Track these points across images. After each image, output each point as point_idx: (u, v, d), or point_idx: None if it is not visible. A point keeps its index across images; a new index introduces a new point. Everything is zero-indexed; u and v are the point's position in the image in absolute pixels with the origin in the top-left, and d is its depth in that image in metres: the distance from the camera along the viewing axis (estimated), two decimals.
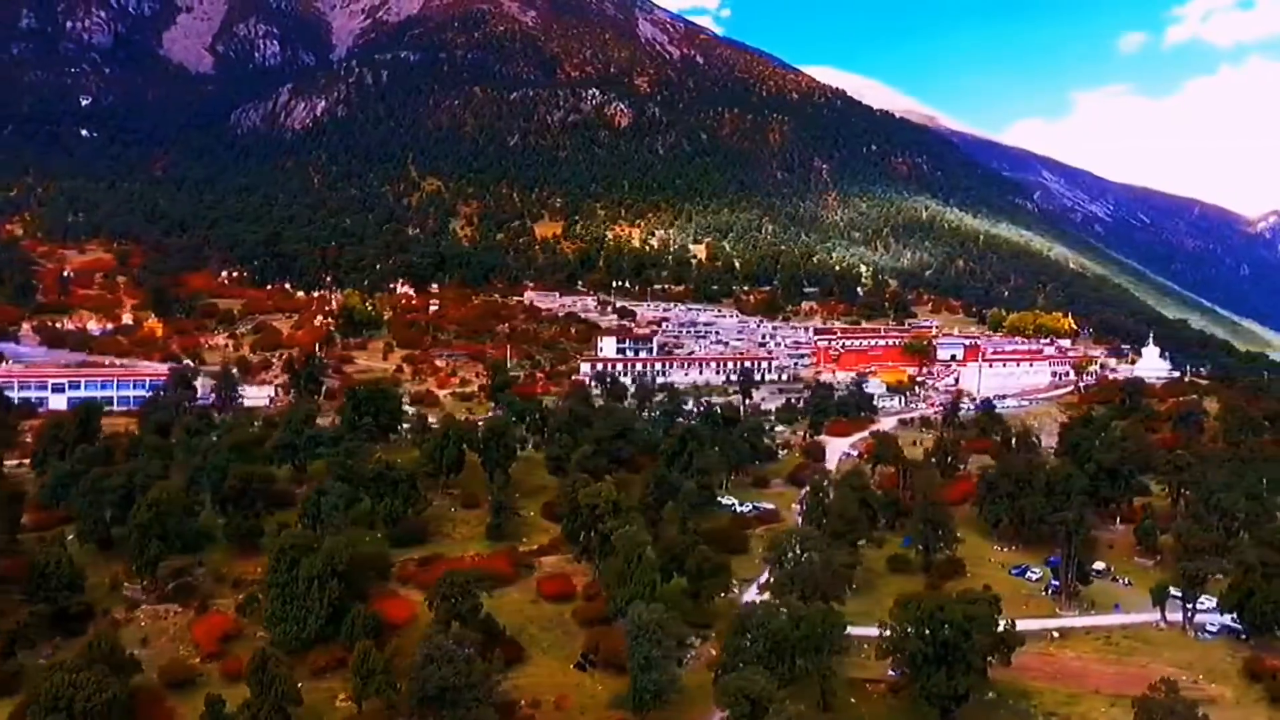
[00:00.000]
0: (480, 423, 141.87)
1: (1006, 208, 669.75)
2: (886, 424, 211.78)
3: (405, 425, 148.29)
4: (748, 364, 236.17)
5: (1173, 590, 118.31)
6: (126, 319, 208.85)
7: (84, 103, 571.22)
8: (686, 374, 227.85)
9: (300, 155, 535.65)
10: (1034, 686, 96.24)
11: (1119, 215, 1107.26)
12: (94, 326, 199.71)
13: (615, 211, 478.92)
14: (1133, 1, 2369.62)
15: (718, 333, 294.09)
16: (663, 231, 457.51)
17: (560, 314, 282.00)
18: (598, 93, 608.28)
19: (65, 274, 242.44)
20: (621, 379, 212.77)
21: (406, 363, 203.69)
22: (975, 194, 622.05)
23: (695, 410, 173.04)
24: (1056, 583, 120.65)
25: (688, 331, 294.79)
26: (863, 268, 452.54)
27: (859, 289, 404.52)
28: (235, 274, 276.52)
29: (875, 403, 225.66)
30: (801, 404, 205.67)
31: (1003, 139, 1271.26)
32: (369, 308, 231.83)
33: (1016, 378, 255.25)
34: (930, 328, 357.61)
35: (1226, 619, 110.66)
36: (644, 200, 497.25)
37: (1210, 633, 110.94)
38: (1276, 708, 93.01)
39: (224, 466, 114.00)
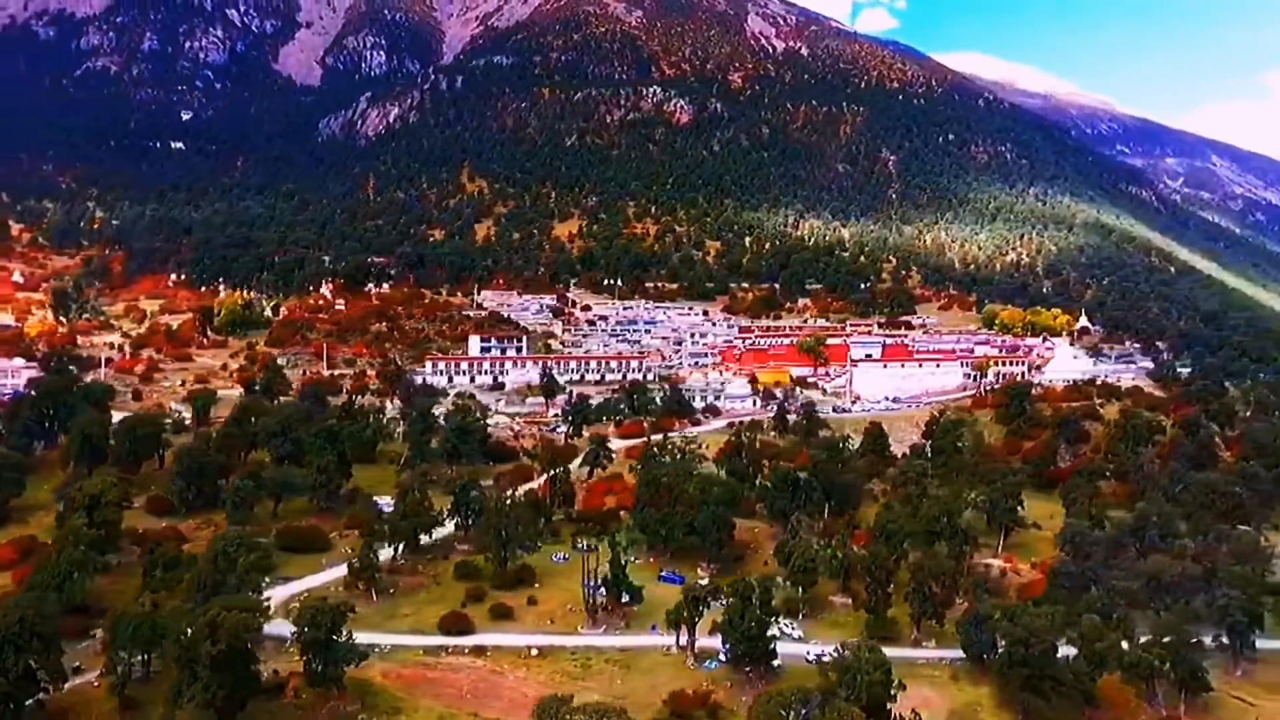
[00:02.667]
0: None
1: (1111, 196, 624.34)
2: (714, 425, 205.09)
3: None
4: (597, 363, 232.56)
5: None
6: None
7: (184, 117, 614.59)
8: (525, 372, 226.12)
9: (367, 162, 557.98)
10: (407, 701, 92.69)
11: None
12: None
13: (644, 209, 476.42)
14: None
15: (648, 331, 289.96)
16: (683, 228, 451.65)
17: (484, 313, 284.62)
18: (659, 90, 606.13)
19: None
20: (458, 378, 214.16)
21: (235, 359, 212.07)
22: (1067, 183, 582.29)
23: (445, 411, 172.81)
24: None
25: (622, 330, 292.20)
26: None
27: (863, 284, 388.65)
28: (182, 277, 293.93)
29: (724, 403, 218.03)
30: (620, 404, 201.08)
31: (1182, 125, 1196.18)
32: (260, 308, 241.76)
33: (919, 379, 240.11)
34: (923, 324, 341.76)
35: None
36: (679, 197, 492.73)
37: (721, 661, 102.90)
38: None
39: None
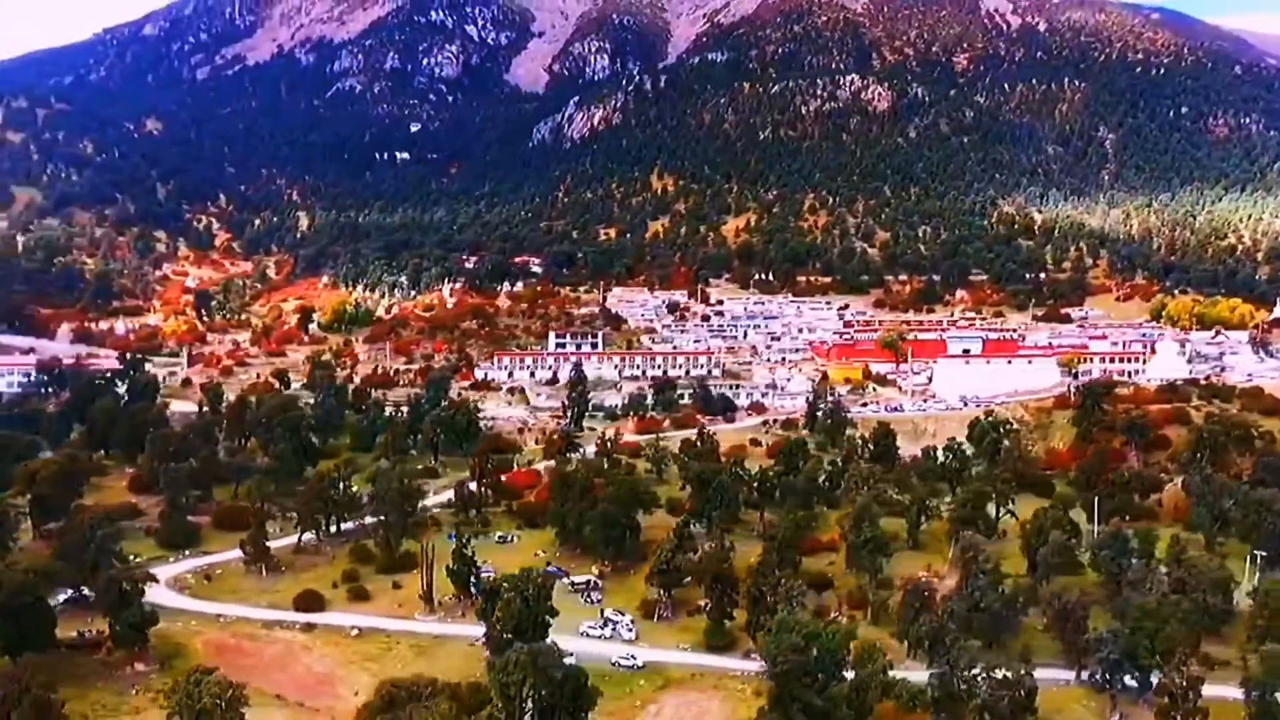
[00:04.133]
0: None
1: None
2: (746, 422, 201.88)
3: None
4: (661, 359, 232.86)
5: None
6: (154, 320, 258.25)
7: (413, 129, 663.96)
8: (595, 368, 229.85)
9: (568, 164, 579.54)
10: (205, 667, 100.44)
11: None
12: (120, 327, 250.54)
13: (823, 200, 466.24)
14: None
15: (756, 327, 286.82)
16: (857, 219, 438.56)
17: (595, 310, 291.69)
18: (857, 79, 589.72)
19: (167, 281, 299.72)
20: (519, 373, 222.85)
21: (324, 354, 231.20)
22: None
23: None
24: None
25: (728, 325, 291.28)
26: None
27: (1032, 274, 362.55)
28: (330, 279, 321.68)
29: (777, 401, 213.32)
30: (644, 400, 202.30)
31: None
32: (373, 306, 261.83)
33: (1008, 377, 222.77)
34: (1084, 317, 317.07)
35: None
36: (863, 188, 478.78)
37: None
38: None
39: None
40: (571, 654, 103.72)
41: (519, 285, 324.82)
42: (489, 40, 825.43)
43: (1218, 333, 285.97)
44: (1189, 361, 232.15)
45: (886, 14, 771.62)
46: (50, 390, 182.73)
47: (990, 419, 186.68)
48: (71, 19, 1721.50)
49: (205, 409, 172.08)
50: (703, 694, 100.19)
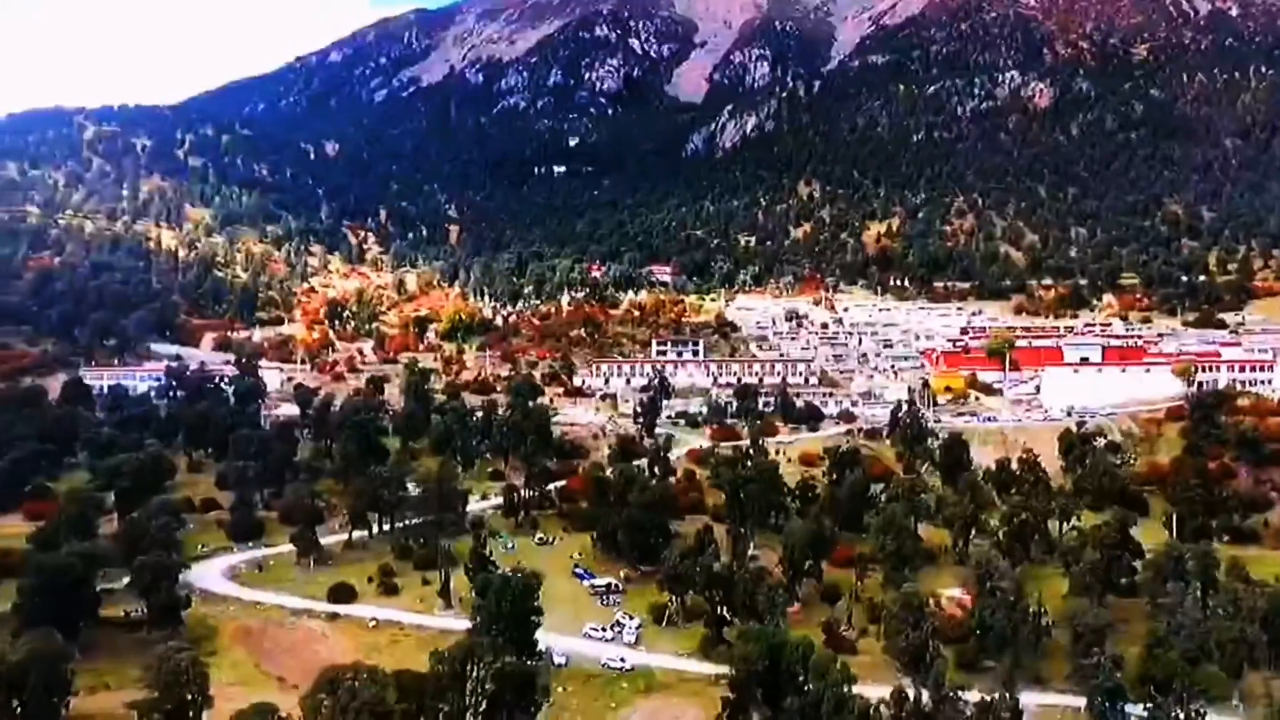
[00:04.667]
0: None
1: None
2: (827, 431, 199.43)
3: None
4: (759, 366, 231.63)
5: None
6: (292, 330, 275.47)
7: (571, 143, 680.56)
8: (690, 375, 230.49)
9: (718, 173, 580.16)
10: (229, 648, 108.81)
11: None
12: (257, 336, 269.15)
13: (972, 203, 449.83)
14: None
15: (873, 335, 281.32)
16: (1006, 222, 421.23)
17: (709, 318, 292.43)
18: (1016, 75, 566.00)
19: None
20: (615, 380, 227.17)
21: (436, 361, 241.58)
22: None
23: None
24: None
25: (838, 334, 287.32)
26: None
27: (1188, 276, 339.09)
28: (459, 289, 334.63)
29: (869, 411, 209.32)
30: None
31: None
32: (493, 315, 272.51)
33: (1123, 386, 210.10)
34: (1240, 323, 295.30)
35: None
36: (1017, 188, 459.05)
37: None
38: None
39: None
40: (564, 654, 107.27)
41: (643, 294, 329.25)
42: (651, 52, 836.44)
43: None
44: None
45: (1061, 6, 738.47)
46: (172, 395, 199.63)
47: (1082, 430, 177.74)
48: (269, 49, 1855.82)
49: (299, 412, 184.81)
50: (682, 699, 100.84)
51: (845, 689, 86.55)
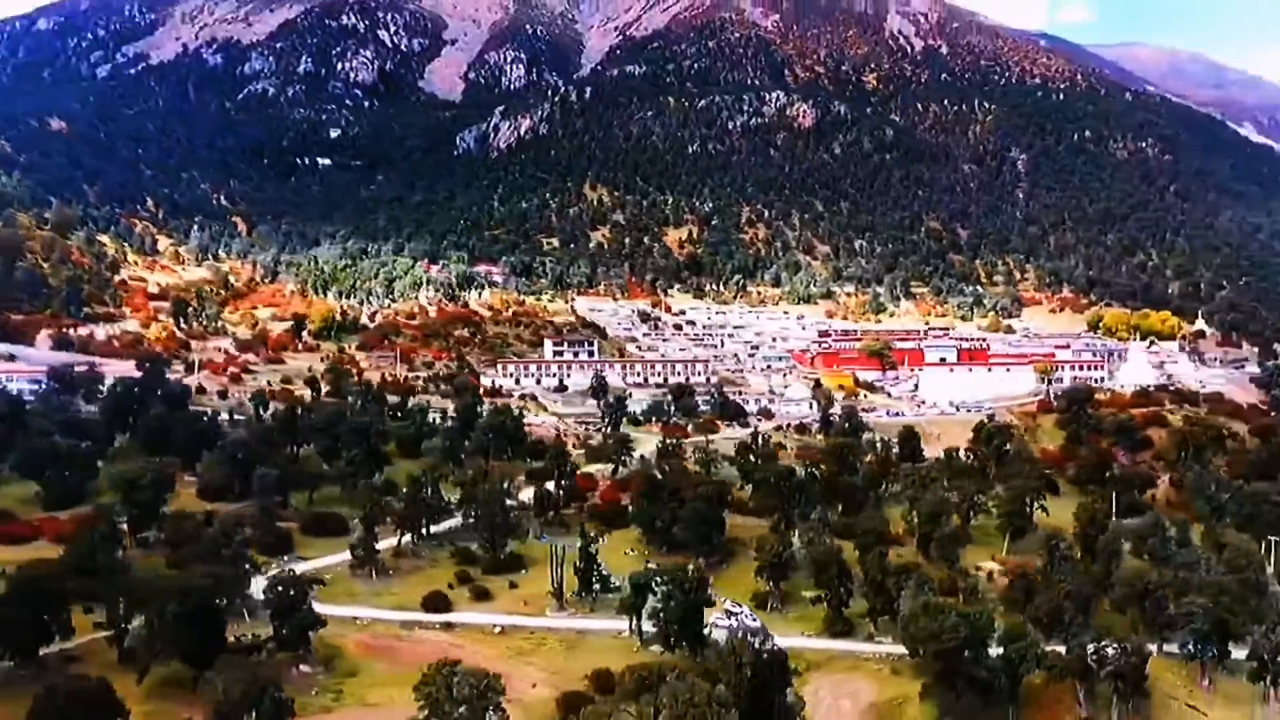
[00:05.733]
0: None
1: (1270, 192, 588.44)
2: (762, 428, 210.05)
3: None
4: (661, 367, 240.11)
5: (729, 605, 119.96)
6: (130, 326, 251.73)
7: (333, 135, 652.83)
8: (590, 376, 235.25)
9: (497, 173, 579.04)
10: (365, 665, 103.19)
11: None
12: (100, 333, 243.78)
13: (758, 214, 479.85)
14: None
15: (731, 335, 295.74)
16: (795, 233, 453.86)
17: (572, 319, 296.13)
18: (781, 95, 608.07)
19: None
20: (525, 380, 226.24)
21: (324, 362, 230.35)
22: (1213, 179, 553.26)
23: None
24: None
25: (704, 335, 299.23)
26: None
27: (968, 287, 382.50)
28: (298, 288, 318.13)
29: (781, 408, 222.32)
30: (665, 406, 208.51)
31: None
32: (356, 315, 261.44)
33: (988, 384, 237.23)
34: (1026, 330, 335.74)
35: None
36: (795, 202, 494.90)
37: None
38: None
39: None
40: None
41: (486, 294, 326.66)
42: (402, 46, 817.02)
43: (1151, 343, 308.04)
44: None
45: (796, 33, 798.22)
46: (65, 398, 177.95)
47: (993, 423, 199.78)
48: None
49: (253, 416, 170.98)
50: (846, 674, 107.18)
51: (1039, 648, 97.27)
